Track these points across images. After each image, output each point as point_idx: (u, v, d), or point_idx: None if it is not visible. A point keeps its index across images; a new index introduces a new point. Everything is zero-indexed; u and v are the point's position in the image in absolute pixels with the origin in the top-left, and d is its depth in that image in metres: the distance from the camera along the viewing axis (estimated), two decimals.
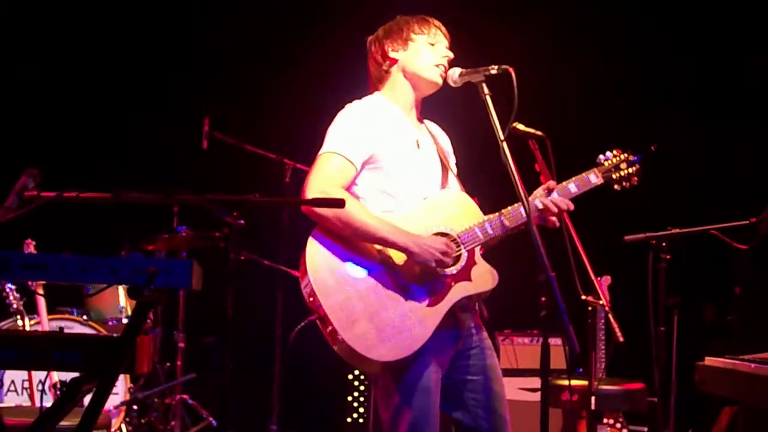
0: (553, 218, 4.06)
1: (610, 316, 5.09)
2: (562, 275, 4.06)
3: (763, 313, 5.97)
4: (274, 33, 7.84)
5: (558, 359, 6.85)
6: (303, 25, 7.82)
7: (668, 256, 5.06)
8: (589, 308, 5.34)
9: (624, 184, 4.22)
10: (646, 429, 6.37)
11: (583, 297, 4.94)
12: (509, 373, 7.14)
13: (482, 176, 5.02)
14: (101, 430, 5.04)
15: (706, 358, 4.21)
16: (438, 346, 3.85)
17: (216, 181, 7.03)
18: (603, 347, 6.25)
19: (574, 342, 3.60)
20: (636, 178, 4.23)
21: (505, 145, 3.80)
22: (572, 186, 4.12)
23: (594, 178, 4.17)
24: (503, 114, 3.85)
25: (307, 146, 4.13)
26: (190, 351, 6.82)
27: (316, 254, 3.81)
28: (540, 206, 4.03)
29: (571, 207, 4.06)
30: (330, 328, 3.72)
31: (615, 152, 4.25)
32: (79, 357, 3.04)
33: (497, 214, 4.01)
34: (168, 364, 6.91)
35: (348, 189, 3.95)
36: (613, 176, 4.21)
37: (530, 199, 4.00)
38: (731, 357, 4.08)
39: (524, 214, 3.79)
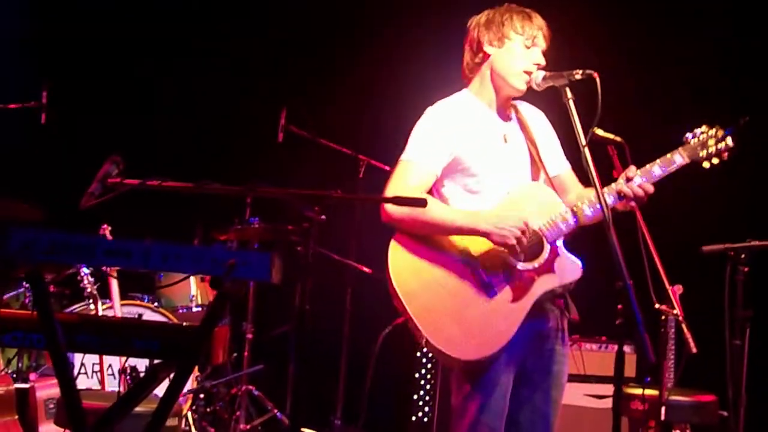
0: (632, 203, 3.94)
1: (683, 326, 5.00)
2: (636, 282, 4.03)
3: None
4: (358, 25, 7.84)
5: (628, 367, 6.84)
6: (386, 18, 7.80)
7: (746, 269, 4.99)
8: (662, 317, 5.26)
9: (713, 160, 4.04)
10: None
11: (657, 306, 4.88)
12: (576, 378, 7.07)
13: None
14: (174, 417, 5.08)
15: None
16: (518, 341, 3.84)
17: (290, 175, 7.06)
18: (673, 357, 6.17)
19: (650, 351, 3.55)
20: (727, 153, 4.03)
21: (587, 150, 3.77)
22: (656, 168, 4.00)
23: (679, 158, 4.02)
24: (583, 120, 3.82)
25: (383, 143, 4.13)
26: (258, 342, 6.84)
27: (399, 258, 3.85)
28: (612, 201, 3.93)
29: (651, 190, 3.92)
30: (416, 330, 3.74)
31: (703, 128, 4.08)
32: (157, 345, 3.07)
33: (576, 203, 3.96)
34: (235, 354, 6.94)
35: (433, 191, 3.98)
36: (701, 153, 4.03)
37: (606, 190, 3.92)
38: None
39: (605, 214, 3.70)
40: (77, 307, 6.29)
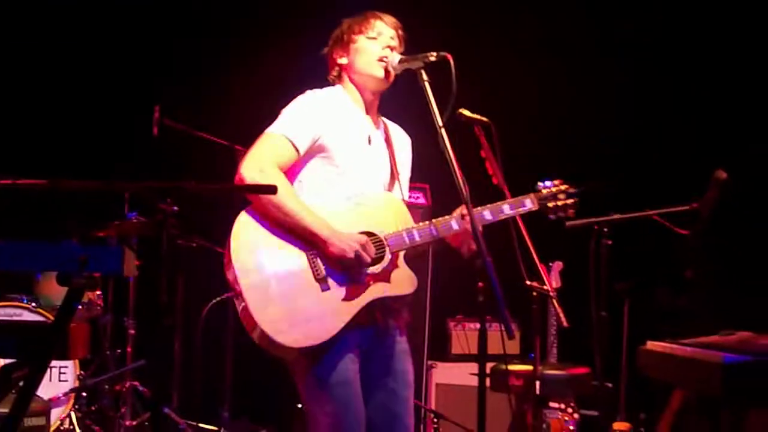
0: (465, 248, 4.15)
1: (554, 301, 5.10)
2: (509, 261, 4.10)
3: (711, 296, 6.02)
4: (230, 16, 7.82)
5: (512, 344, 6.94)
6: (259, 8, 7.80)
7: (610, 242, 5.10)
8: (534, 294, 5.35)
9: (559, 213, 4.26)
10: (597, 413, 6.39)
11: (528, 282, 4.97)
12: (461, 358, 7.18)
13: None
14: (39, 416, 5.02)
15: (648, 342, 4.24)
16: (354, 342, 3.89)
17: (168, 169, 7.01)
18: (555, 333, 6.27)
19: (510, 326, 3.63)
20: (572, 210, 4.27)
21: (443, 131, 3.82)
22: (506, 207, 4.15)
23: (529, 203, 4.20)
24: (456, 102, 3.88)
25: (259, 132, 4.13)
26: (140, 338, 6.79)
27: (243, 232, 3.86)
28: (456, 227, 4.07)
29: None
30: (243, 305, 3.75)
31: (556, 182, 4.28)
32: (12, 344, 3.04)
33: (428, 222, 4.06)
34: (119, 351, 6.88)
35: (293, 173, 4.01)
36: (549, 205, 4.24)
37: (447, 219, 4.07)
38: (671, 341, 4.10)
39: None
40: None
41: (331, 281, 3.85)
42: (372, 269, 3.92)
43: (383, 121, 4.33)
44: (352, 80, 4.20)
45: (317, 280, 3.84)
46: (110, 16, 7.65)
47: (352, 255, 3.84)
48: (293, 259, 3.85)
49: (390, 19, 4.22)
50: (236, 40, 7.78)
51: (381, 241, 3.97)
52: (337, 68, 4.23)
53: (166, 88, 7.25)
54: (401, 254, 4.03)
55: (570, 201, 4.24)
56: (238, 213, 3.93)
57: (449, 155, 3.78)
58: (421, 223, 4.06)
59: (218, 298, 6.38)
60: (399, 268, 4.00)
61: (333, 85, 4.26)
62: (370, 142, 4.16)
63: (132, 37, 7.69)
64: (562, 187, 4.26)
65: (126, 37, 7.67)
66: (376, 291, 3.92)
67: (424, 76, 3.92)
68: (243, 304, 3.75)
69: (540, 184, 4.27)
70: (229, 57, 7.76)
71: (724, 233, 6.00)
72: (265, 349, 3.83)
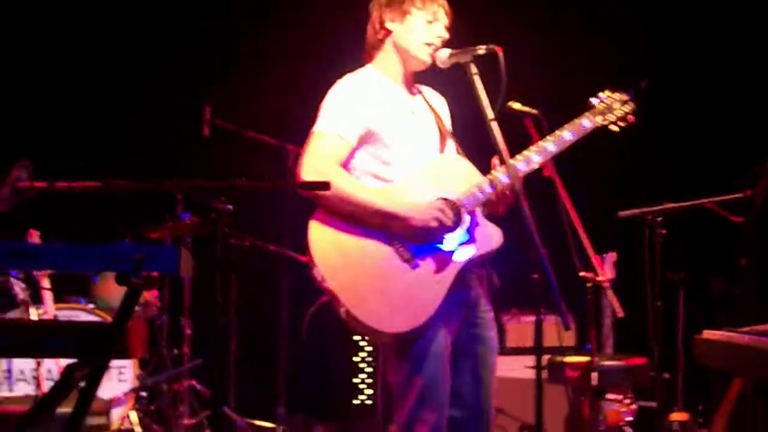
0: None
1: (609, 291, 5.08)
2: (563, 252, 4.09)
3: (765, 284, 5.96)
4: (277, 14, 7.84)
5: (568, 336, 6.91)
6: (303, 8, 7.81)
7: (664, 231, 5.06)
8: (589, 285, 5.33)
9: (621, 123, 4.13)
10: (655, 404, 6.35)
11: (582, 274, 4.96)
12: (517, 351, 7.14)
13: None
14: (101, 416, 5.08)
15: (704, 331, 4.21)
16: (447, 312, 3.89)
17: (220, 168, 7.05)
18: (611, 324, 6.24)
19: (566, 317, 3.63)
20: (632, 117, 4.13)
21: (495, 124, 3.82)
22: (566, 133, 4.05)
23: (588, 122, 4.08)
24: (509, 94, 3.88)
25: (307, 129, 4.13)
26: (197, 337, 6.85)
27: (320, 236, 3.87)
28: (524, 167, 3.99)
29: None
30: (342, 307, 3.77)
31: (607, 92, 4.17)
32: (72, 343, 3.08)
33: (491, 174, 4.00)
34: (176, 350, 6.94)
35: (346, 163, 4.00)
36: (608, 117, 4.11)
37: (520, 157, 3.99)
38: (728, 329, 4.07)
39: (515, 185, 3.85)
40: (11, 314, 6.24)
41: (417, 259, 3.87)
42: (455, 234, 3.91)
43: (418, 89, 4.29)
44: (393, 52, 4.15)
45: (404, 260, 3.85)
46: (159, 17, 7.69)
47: (435, 223, 3.85)
48: (375, 246, 3.86)
49: (449, 8, 4.17)
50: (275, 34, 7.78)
51: (455, 203, 3.95)
52: (382, 31, 4.15)
53: (214, 88, 7.27)
54: (479, 211, 4.02)
55: (627, 108, 4.13)
56: (290, 212, 3.95)
57: (501, 148, 3.79)
58: (489, 174, 4.00)
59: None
60: (480, 225, 4.00)
61: (370, 52, 4.21)
62: (413, 113, 4.15)
63: (180, 37, 7.73)
64: (615, 96, 4.15)
65: (174, 38, 7.70)
66: (464, 254, 3.92)
67: (473, 69, 3.92)
68: (342, 306, 3.77)
69: (592, 100, 4.16)
70: (268, 51, 7.75)
71: None
72: (364, 336, 3.86)
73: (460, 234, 3.92)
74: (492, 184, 3.98)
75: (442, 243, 3.89)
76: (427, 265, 3.87)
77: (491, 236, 4.02)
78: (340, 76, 4.16)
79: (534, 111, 4.23)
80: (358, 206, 3.86)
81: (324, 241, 3.87)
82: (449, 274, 3.88)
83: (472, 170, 4.09)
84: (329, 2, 7.35)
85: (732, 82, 7.34)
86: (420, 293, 3.83)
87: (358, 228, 3.88)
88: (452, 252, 3.91)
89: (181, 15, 7.76)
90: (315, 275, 3.85)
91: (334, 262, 3.83)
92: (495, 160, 4.01)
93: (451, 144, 4.24)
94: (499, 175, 3.97)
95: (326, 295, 3.87)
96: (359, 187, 3.93)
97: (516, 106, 4.23)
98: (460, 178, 4.04)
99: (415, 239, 3.88)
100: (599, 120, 4.11)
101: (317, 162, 3.88)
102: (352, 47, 4.48)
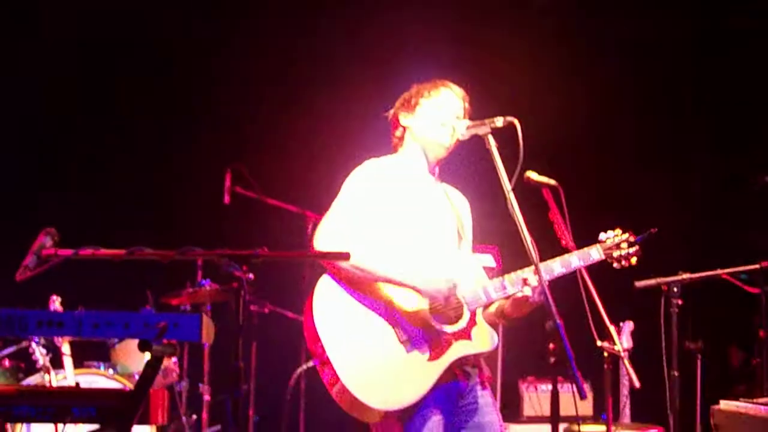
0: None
1: (625, 361, 5.07)
2: (581, 322, 4.12)
3: None
4: (299, 82, 7.94)
5: (584, 405, 6.90)
6: (327, 79, 7.91)
7: (680, 301, 5.07)
8: (605, 354, 5.33)
9: (623, 262, 4.26)
10: None
11: (599, 343, 4.97)
12: (533, 420, 7.15)
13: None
14: None
15: (721, 401, 4.22)
16: (439, 399, 3.92)
17: (239, 236, 7.11)
18: (627, 393, 6.24)
19: (582, 387, 3.64)
20: (635, 258, 4.26)
21: (512, 195, 3.86)
22: (574, 259, 4.16)
23: (596, 253, 4.20)
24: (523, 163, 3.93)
25: (329, 199, 4.19)
26: (215, 403, 6.86)
27: (324, 302, 3.91)
28: (556, 272, 4.10)
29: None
30: (332, 374, 3.79)
31: (617, 231, 4.29)
32: (94, 410, 3.12)
33: (500, 278, 4.07)
34: (194, 416, 6.96)
35: (360, 239, 4.04)
36: (614, 254, 4.24)
37: (519, 273, 4.05)
38: (745, 400, 4.09)
39: (532, 255, 3.85)
40: (31, 380, 6.29)
41: (415, 343, 3.91)
42: (453, 328, 3.96)
43: (443, 186, 4.38)
44: (414, 144, 4.26)
45: (401, 341, 3.90)
46: (177, 87, 7.81)
47: (445, 292, 3.94)
48: (376, 322, 3.90)
49: (458, 90, 4.29)
50: (303, 104, 7.88)
51: (459, 299, 4.01)
52: (400, 129, 4.30)
53: (236, 155, 7.36)
54: (479, 311, 4.07)
55: (632, 249, 4.24)
56: (307, 279, 3.99)
57: (518, 219, 3.83)
58: (495, 279, 4.08)
59: (302, 368, 6.40)
60: (478, 325, 4.04)
61: (394, 147, 4.34)
62: (435, 205, 4.22)
63: (203, 104, 7.84)
64: (624, 236, 4.26)
65: (198, 105, 7.81)
66: (458, 349, 3.96)
67: (492, 141, 3.97)
68: (332, 373, 3.79)
69: (602, 234, 4.27)
70: (296, 123, 7.85)
71: None
72: (351, 413, 3.88)
73: (457, 327, 3.98)
74: (495, 287, 4.05)
75: (439, 331, 3.94)
76: (422, 350, 3.91)
77: (486, 338, 4.06)
78: (364, 147, 4.26)
79: (552, 182, 4.28)
80: (371, 271, 3.91)
81: (327, 307, 3.91)
82: (441, 364, 3.91)
83: (480, 272, 4.20)
84: (356, 77, 7.47)
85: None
86: (411, 376, 3.86)
87: (362, 300, 3.93)
88: (447, 344, 3.95)
89: (203, 82, 7.88)
90: (307, 335, 3.88)
91: (334, 331, 3.86)
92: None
93: (465, 242, 4.32)
94: (506, 283, 4.04)
95: (316, 359, 3.90)
96: (373, 257, 3.95)
97: (534, 176, 4.27)
98: (469, 276, 4.12)
99: (414, 322, 3.93)
100: (606, 254, 4.24)
101: (333, 234, 3.93)
102: (371, 122, 4.57)
